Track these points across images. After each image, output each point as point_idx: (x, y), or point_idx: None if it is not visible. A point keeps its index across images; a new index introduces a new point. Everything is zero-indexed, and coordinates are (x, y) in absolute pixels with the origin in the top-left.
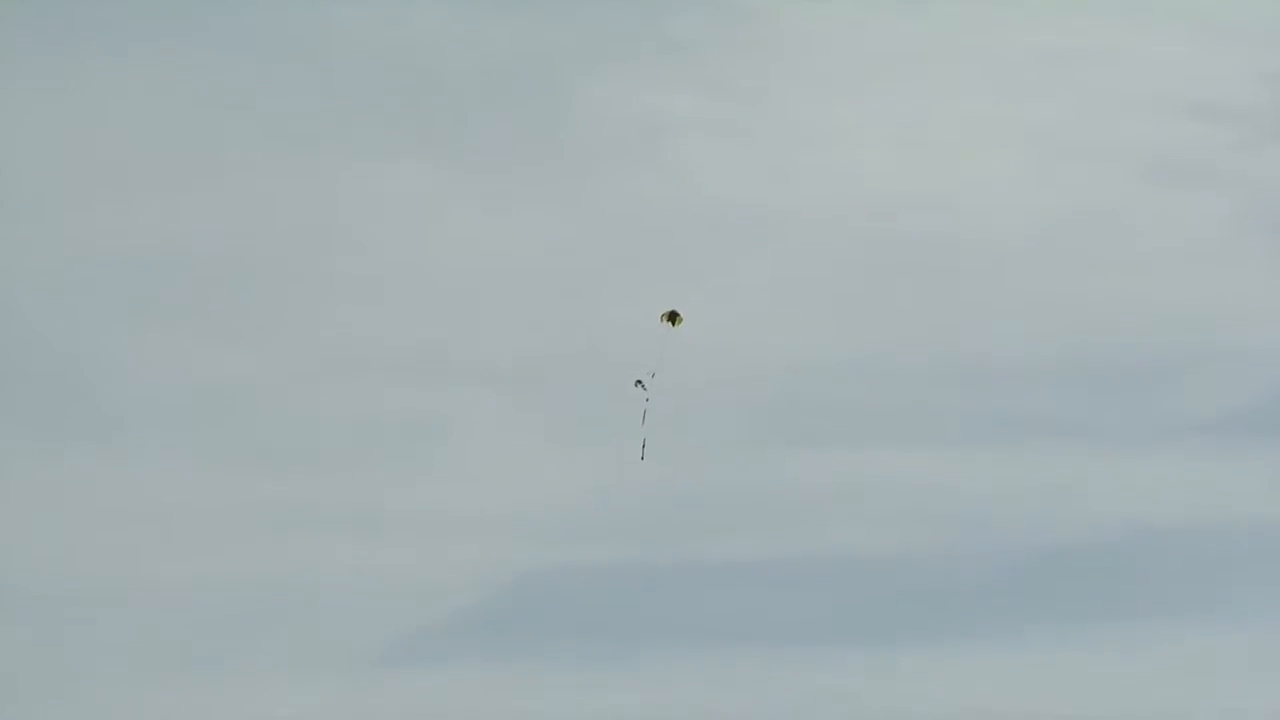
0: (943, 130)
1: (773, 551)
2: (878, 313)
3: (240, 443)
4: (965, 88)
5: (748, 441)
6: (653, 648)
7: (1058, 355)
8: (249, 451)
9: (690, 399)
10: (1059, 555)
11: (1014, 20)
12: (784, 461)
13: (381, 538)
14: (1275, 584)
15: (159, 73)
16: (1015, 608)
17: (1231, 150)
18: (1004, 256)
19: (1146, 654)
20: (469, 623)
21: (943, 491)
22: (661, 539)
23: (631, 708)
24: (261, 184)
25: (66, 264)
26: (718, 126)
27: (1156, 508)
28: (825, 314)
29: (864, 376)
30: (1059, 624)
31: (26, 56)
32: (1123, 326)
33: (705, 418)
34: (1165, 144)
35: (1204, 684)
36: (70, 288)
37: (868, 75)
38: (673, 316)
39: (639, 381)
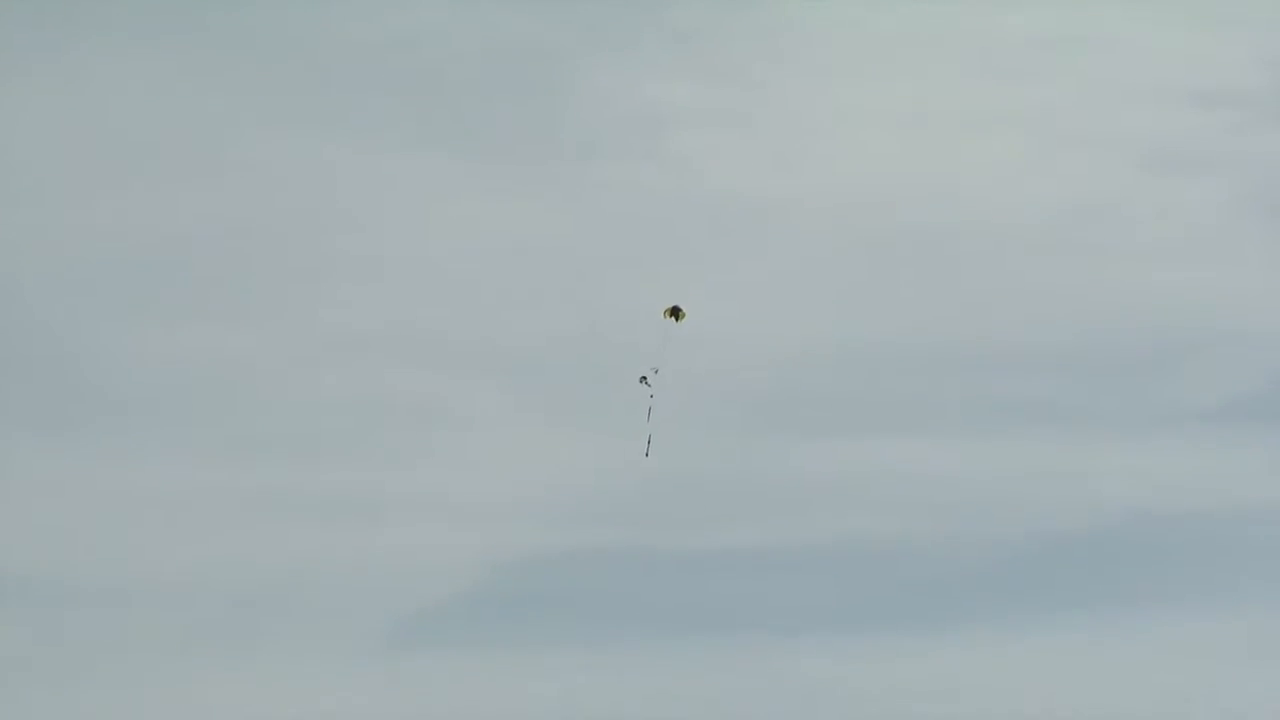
0: (943, 119)
1: (774, 539)
2: (878, 301)
3: (241, 428)
4: (966, 76)
5: (749, 429)
6: (652, 634)
7: (1058, 343)
8: (250, 437)
9: (691, 387)
10: (1060, 542)
11: (1014, 8)
12: (785, 449)
13: (383, 522)
14: (1276, 569)
15: (160, 60)
16: (1016, 594)
17: (1231, 136)
18: (1004, 244)
19: (1147, 639)
20: (470, 607)
21: (944, 479)
22: (662, 526)
23: (631, 693)
24: (263, 171)
25: (66, 251)
26: (719, 116)
27: (1157, 494)
28: (826, 302)
29: (865, 365)
30: (1060, 610)
31: (28, 42)
32: (1123, 313)
33: (706, 406)
34: (1165, 131)
35: (1205, 669)
36: (71, 274)
37: (868, 65)
38: (675, 312)
39: (643, 378)
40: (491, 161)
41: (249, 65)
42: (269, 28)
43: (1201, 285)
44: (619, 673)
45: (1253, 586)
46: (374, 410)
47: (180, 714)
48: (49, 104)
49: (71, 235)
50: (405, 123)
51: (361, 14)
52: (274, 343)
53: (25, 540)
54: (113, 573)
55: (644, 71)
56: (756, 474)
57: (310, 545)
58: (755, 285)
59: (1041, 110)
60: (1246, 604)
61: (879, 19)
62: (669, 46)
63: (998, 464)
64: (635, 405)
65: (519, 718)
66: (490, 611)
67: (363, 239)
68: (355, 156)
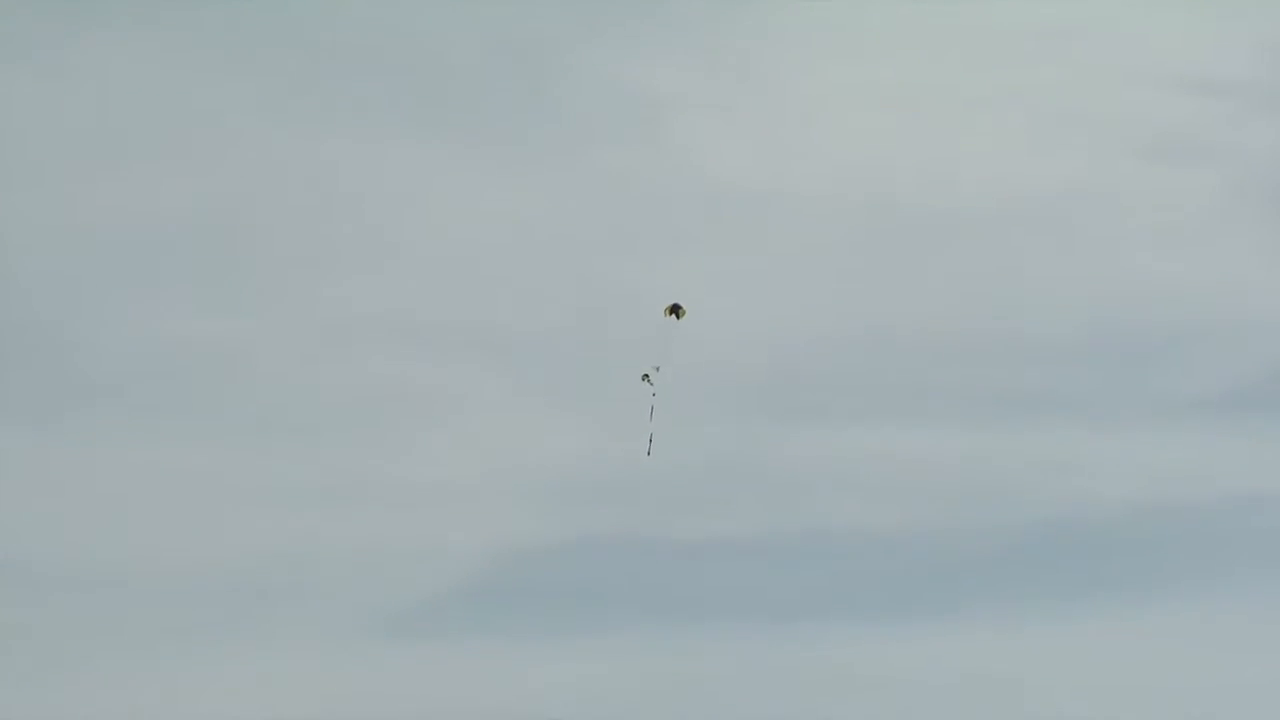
0: (941, 105)
1: (771, 526)
2: (875, 288)
3: (238, 414)
4: (963, 62)
5: (745, 416)
6: (651, 621)
7: (1056, 331)
8: (247, 422)
9: (687, 374)
10: (1057, 531)
11: None
12: (781, 437)
13: (381, 509)
14: (1275, 560)
15: (159, 45)
16: (1014, 584)
17: (1230, 125)
18: (1002, 231)
19: (1145, 630)
20: (467, 595)
21: (941, 467)
22: (661, 513)
23: (630, 680)
24: (258, 154)
25: (64, 235)
26: (714, 101)
27: (1155, 483)
28: (822, 288)
29: (862, 352)
30: (1057, 600)
31: (27, 26)
32: (1121, 302)
33: (703, 392)
34: (1163, 118)
35: (1203, 658)
36: (67, 259)
37: (866, 50)
38: (675, 310)
39: (645, 376)
40: (489, 147)
41: (247, 50)
42: (266, 13)
43: (1200, 274)
44: (618, 660)
45: (1252, 576)
46: (372, 395)
47: (175, 701)
48: (45, 88)
49: (68, 220)
50: (403, 108)
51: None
52: (271, 328)
53: (18, 526)
54: (108, 559)
55: (642, 57)
56: (754, 461)
57: (308, 531)
58: (753, 271)
59: (1039, 97)
60: (1246, 594)
61: (877, 5)
62: (667, 32)
63: (996, 452)
64: (634, 391)
65: (518, 706)
66: (489, 599)
67: (361, 224)
68: (354, 142)
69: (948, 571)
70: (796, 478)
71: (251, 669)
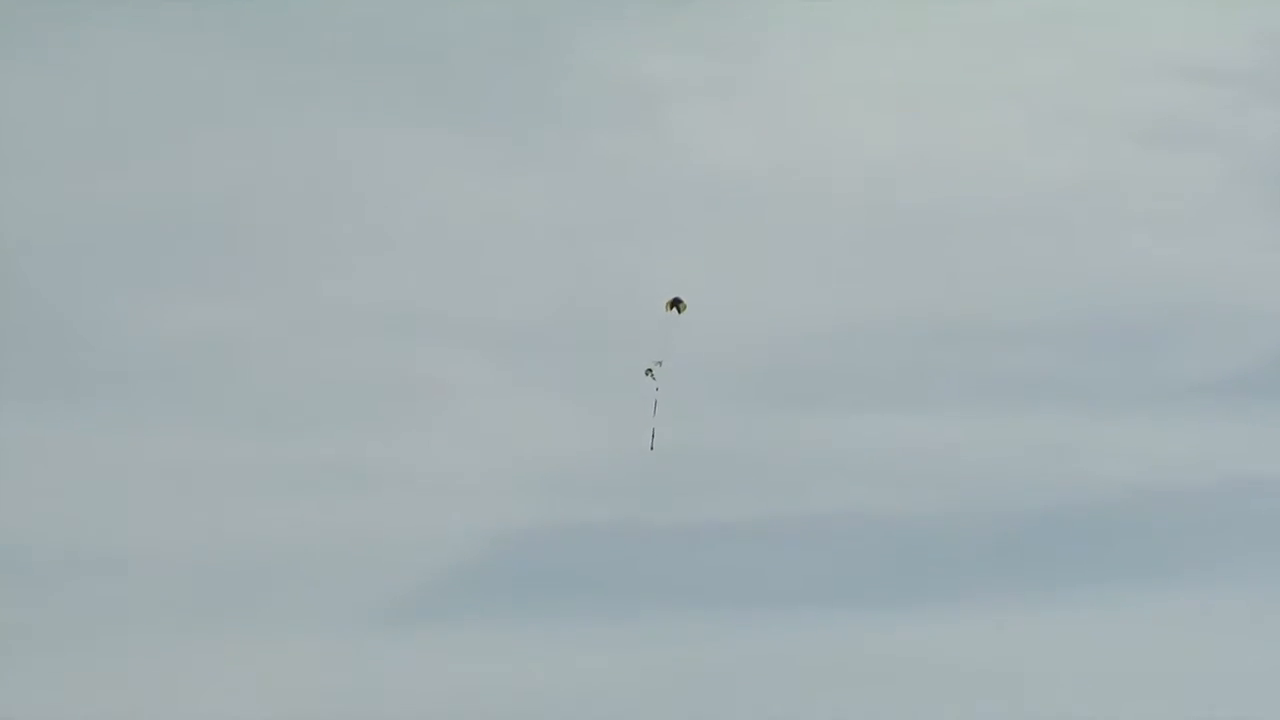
0: (941, 94)
1: (771, 514)
2: (874, 276)
3: (239, 401)
4: (963, 51)
5: (746, 404)
6: (650, 608)
7: (1056, 318)
8: (247, 410)
9: (688, 361)
10: (1058, 517)
11: None
12: (781, 425)
13: (381, 496)
14: (1275, 545)
15: (161, 32)
16: (1015, 569)
17: (1229, 113)
18: (1002, 219)
19: (1146, 613)
20: (466, 582)
21: (941, 454)
22: (660, 500)
23: (630, 666)
24: (259, 144)
25: (66, 222)
26: (716, 90)
27: (1155, 469)
28: (822, 276)
29: (862, 339)
30: (1057, 585)
31: (29, 13)
32: (1121, 289)
33: (703, 380)
34: (1163, 107)
35: (1203, 644)
36: (70, 246)
37: (865, 40)
38: (676, 304)
39: (649, 370)
40: (488, 137)
41: (246, 42)
42: (265, 5)
43: (1200, 261)
44: (617, 647)
45: (1252, 561)
46: (371, 385)
47: (176, 686)
48: (48, 76)
49: (71, 207)
50: (402, 99)
51: None
52: (271, 316)
53: (21, 512)
54: (110, 545)
55: (641, 47)
56: (754, 449)
57: (308, 519)
58: (752, 260)
59: (1039, 87)
60: (1246, 579)
61: None
62: (666, 22)
63: (997, 439)
64: (634, 378)
65: (517, 692)
66: (488, 586)
67: (360, 213)
68: (354, 133)
69: (949, 557)
70: (797, 465)
71: (251, 655)
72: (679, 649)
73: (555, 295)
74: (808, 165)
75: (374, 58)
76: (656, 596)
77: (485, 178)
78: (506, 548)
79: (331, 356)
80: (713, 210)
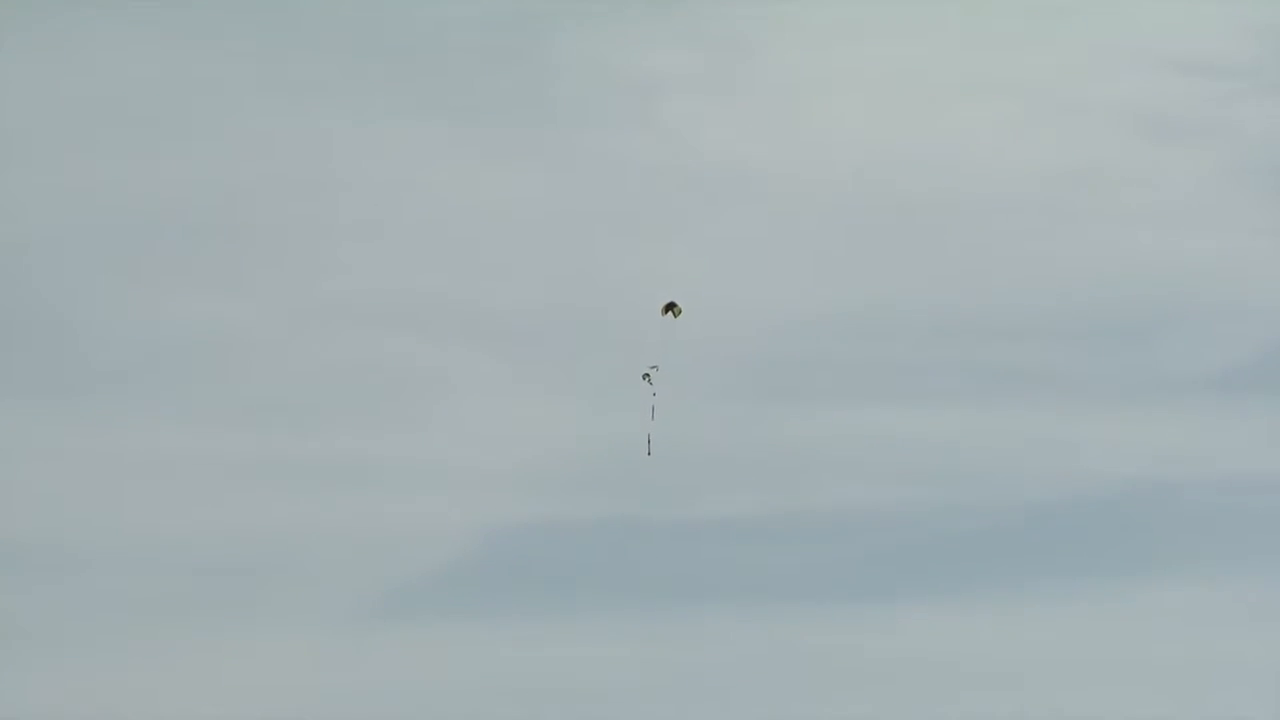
0: (936, 85)
1: (767, 507)
2: (870, 268)
3: (235, 394)
4: (959, 43)
5: (741, 397)
6: (649, 603)
7: (1051, 310)
8: (244, 403)
9: (682, 354)
10: (1054, 510)
11: None
12: (777, 417)
13: (378, 490)
14: (1270, 539)
15: (156, 25)
16: (1012, 562)
17: (1223, 105)
18: (997, 211)
19: (1143, 607)
20: (465, 576)
21: (937, 446)
22: (657, 495)
23: (627, 661)
24: (257, 138)
25: (62, 216)
26: (708, 82)
27: (1151, 463)
28: (817, 269)
29: (856, 332)
30: (1054, 579)
31: (25, 5)
32: (1116, 281)
33: (698, 373)
34: (1157, 98)
35: (1198, 638)
36: (66, 240)
37: (861, 32)
38: (671, 308)
39: (645, 375)
40: (484, 129)
41: (243, 33)
42: None
43: (1194, 253)
44: (614, 641)
45: (1247, 556)
46: (369, 377)
47: (171, 681)
48: (44, 69)
49: (67, 200)
50: (400, 89)
51: None
52: (268, 309)
53: (16, 505)
54: (106, 539)
55: (636, 40)
56: (750, 442)
57: (305, 512)
58: (745, 251)
59: (1035, 77)
60: (1240, 573)
61: None
62: (661, 15)
63: (992, 431)
64: (630, 372)
65: (513, 687)
66: (485, 581)
67: (358, 206)
68: (351, 123)
69: (946, 550)
70: (793, 458)
71: (248, 650)
72: (677, 644)
73: (553, 289)
74: (805, 159)
75: (371, 53)
76: (654, 592)
77: (483, 172)
78: (504, 543)
79: (329, 352)
80: (710, 204)
